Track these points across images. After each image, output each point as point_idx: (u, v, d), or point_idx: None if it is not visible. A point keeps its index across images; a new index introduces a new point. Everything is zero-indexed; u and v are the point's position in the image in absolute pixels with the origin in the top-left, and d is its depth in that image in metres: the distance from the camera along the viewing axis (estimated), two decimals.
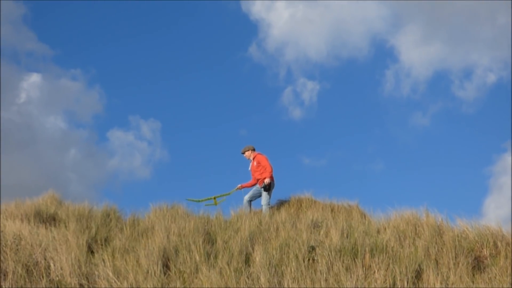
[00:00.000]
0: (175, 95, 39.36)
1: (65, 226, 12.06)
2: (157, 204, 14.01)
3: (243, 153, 15.40)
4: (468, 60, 38.83)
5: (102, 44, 40.55)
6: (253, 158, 15.24)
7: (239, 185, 15.22)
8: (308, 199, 15.53)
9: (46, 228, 11.96)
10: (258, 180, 14.95)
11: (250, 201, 15.04)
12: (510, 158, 34.39)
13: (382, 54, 39.89)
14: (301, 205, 15.28)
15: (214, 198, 15.28)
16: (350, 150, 36.99)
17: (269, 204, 14.82)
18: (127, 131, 36.97)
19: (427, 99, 38.54)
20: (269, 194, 14.91)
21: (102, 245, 11.54)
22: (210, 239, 11.83)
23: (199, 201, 15.28)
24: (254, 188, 15.12)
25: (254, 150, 15.37)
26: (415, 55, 39.35)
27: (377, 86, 38.64)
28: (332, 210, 14.72)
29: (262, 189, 14.89)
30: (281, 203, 15.63)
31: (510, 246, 11.22)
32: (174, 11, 41.25)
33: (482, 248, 11.29)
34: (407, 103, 38.60)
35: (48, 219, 12.63)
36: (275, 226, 12.45)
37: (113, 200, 13.73)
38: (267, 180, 14.72)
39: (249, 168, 15.35)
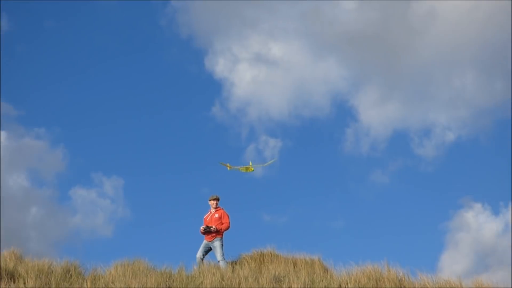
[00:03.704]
0: (137, 153, 39.60)
1: (24, 283, 11.87)
2: (118, 260, 13.88)
3: (211, 200, 15.58)
4: (427, 119, 40.02)
5: (66, 104, 40.92)
6: (217, 210, 15.41)
7: (201, 228, 15.19)
8: (270, 253, 15.53)
9: (5, 284, 11.75)
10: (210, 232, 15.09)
11: (202, 258, 15.17)
12: (466, 214, 35.11)
13: (343, 113, 40.84)
14: (263, 260, 15.26)
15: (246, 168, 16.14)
16: (311, 207, 37.26)
17: (224, 259, 14.91)
18: (90, 189, 36.84)
19: (387, 157, 39.39)
20: (222, 249, 15.05)
21: None
22: None
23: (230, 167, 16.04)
24: (203, 244, 15.24)
25: (218, 201, 15.59)
26: (374, 114, 40.42)
27: (337, 144, 39.39)
28: (294, 265, 14.72)
29: (212, 243, 15.06)
30: (243, 258, 15.60)
31: None
32: (138, 71, 42.00)
33: None
34: (367, 161, 39.40)
35: (7, 275, 12.41)
36: (237, 281, 12.41)
37: (74, 257, 13.56)
38: (214, 228, 15.02)
39: (207, 217, 15.46)
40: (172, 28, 42.21)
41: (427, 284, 11.90)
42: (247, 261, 15.18)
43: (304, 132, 40.45)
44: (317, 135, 40.77)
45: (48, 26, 41.90)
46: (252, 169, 16.59)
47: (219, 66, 40.85)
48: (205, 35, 43.17)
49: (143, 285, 11.91)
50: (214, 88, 41.51)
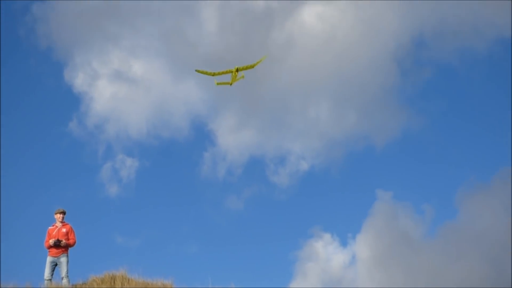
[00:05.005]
0: None
1: None
2: None
3: (57, 213, 15.30)
4: (282, 147, 41.06)
5: None
6: (63, 225, 15.17)
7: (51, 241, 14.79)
8: (122, 276, 15.30)
9: None
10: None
11: (50, 279, 14.90)
12: (316, 244, 36.17)
13: (201, 136, 41.25)
14: (114, 282, 15.01)
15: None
16: (165, 230, 37.18)
17: (68, 276, 14.81)
18: None
19: (242, 183, 39.98)
20: (67, 265, 14.91)
21: None
22: None
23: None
24: (49, 261, 14.89)
25: (65, 215, 15.35)
26: (232, 139, 40.93)
27: (195, 167, 39.55)
28: None
29: (59, 258, 14.86)
30: (93, 280, 15.26)
31: None
32: None
33: None
34: (223, 186, 39.80)
35: None
36: None
37: None
38: (63, 242, 14.82)
39: (52, 230, 15.12)
40: (31, 39, 40.87)
41: None
42: (97, 283, 14.87)
43: (162, 152, 40.47)
44: (175, 157, 40.88)
45: None
46: (243, 76, 16.70)
47: (79, 80, 40.06)
48: (66, 47, 42.26)
49: None
50: (72, 102, 40.70)
